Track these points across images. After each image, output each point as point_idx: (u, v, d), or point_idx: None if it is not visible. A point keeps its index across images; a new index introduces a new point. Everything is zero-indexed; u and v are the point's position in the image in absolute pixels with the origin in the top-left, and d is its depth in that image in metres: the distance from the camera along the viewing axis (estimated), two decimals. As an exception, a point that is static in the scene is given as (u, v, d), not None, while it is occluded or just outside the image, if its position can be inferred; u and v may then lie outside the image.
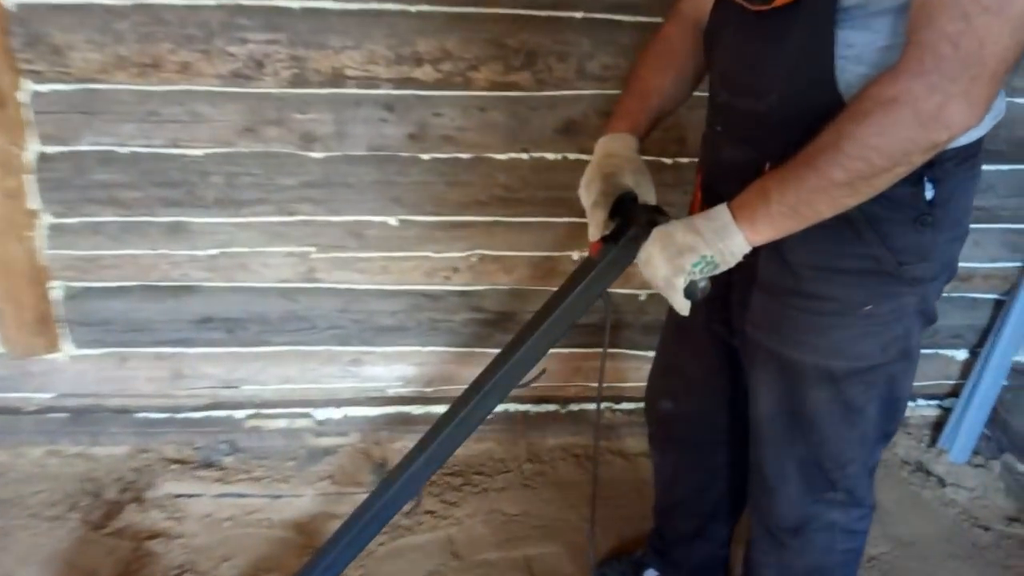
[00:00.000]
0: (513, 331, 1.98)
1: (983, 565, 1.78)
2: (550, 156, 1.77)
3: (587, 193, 1.16)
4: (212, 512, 1.86)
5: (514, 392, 1.21)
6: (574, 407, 2.13)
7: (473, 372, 2.04)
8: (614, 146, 1.18)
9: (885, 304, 1.05)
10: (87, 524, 1.79)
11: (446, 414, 1.26)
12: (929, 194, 0.98)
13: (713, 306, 1.21)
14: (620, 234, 1.10)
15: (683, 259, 0.97)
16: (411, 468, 1.25)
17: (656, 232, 1.02)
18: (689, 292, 0.99)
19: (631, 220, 1.10)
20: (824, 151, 0.88)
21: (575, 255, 1.90)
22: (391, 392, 2.07)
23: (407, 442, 2.08)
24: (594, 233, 1.13)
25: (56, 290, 1.87)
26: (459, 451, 2.02)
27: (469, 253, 1.89)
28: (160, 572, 1.69)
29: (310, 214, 1.81)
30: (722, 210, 0.97)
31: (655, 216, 1.09)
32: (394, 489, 1.26)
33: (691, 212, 1.24)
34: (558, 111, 1.73)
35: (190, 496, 1.90)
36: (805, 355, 1.11)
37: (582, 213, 1.84)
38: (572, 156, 1.77)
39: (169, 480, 1.94)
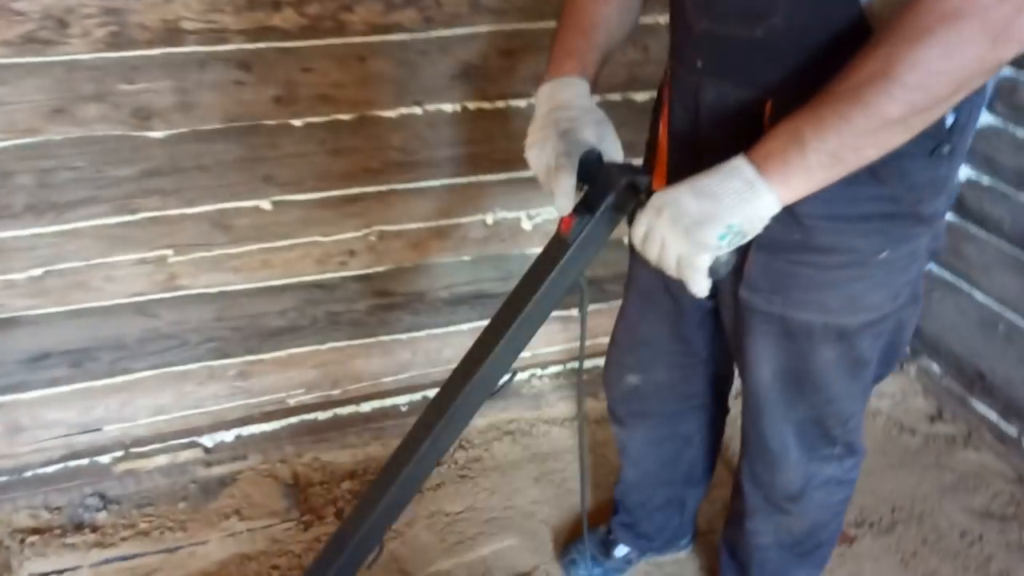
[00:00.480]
0: (426, 313, 1.77)
1: (920, 470, 1.83)
2: (448, 108, 1.53)
3: (540, 154, 0.95)
4: (95, 586, 1.54)
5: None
6: (498, 380, 1.95)
7: (385, 363, 1.84)
8: (565, 94, 0.97)
9: (902, 247, 0.94)
10: (-73, 639, 1.42)
11: (404, 445, 1.05)
12: (949, 120, 0.87)
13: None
14: (596, 203, 0.91)
15: (704, 233, 0.78)
16: (371, 517, 1.03)
17: (657, 200, 0.82)
18: (712, 270, 0.81)
19: (605, 185, 0.91)
20: (873, 82, 0.72)
21: (489, 219, 1.68)
22: (292, 402, 1.80)
23: (318, 453, 1.84)
24: (564, 205, 0.92)
25: None
26: (379, 452, 1.85)
27: (366, 231, 1.63)
28: None
29: (158, 209, 1.49)
30: (741, 165, 0.79)
31: (634, 178, 0.89)
32: (357, 538, 1.05)
33: (656, 175, 1.07)
34: (452, 54, 1.48)
35: (61, 572, 1.56)
36: (814, 315, 0.98)
37: (493, 169, 1.65)
38: (473, 105, 1.54)
39: (30, 557, 1.59)
